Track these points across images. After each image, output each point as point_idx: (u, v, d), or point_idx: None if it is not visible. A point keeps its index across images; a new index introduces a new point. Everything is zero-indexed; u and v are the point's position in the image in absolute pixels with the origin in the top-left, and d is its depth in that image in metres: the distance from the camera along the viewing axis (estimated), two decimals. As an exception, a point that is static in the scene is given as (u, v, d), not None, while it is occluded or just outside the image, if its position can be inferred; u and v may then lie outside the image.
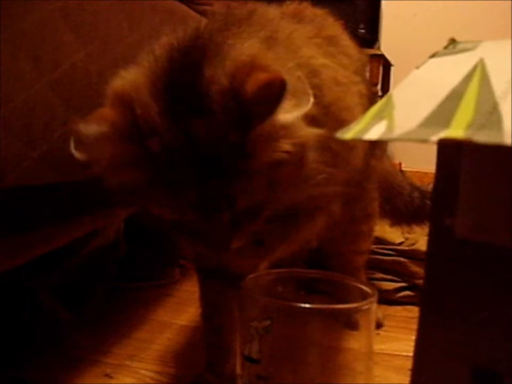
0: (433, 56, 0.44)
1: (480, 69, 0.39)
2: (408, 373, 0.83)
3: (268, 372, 0.54)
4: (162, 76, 0.52)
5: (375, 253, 1.09)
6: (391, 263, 1.10)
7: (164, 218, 0.55)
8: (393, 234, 1.15)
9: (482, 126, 0.32)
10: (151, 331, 0.93)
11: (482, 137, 0.30)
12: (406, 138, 0.34)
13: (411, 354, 0.87)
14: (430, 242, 0.49)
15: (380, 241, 1.13)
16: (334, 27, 0.78)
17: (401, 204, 1.10)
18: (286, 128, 0.52)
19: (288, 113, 0.52)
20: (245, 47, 0.54)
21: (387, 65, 2.44)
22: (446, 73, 0.40)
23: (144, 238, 1.07)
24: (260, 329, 0.54)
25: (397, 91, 0.41)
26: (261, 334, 0.54)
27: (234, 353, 0.67)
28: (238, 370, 0.57)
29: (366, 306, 0.55)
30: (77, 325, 0.88)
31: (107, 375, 0.77)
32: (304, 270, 0.63)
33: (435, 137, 0.32)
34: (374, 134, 0.36)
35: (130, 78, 0.54)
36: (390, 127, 0.36)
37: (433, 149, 0.41)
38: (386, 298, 1.08)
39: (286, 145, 0.52)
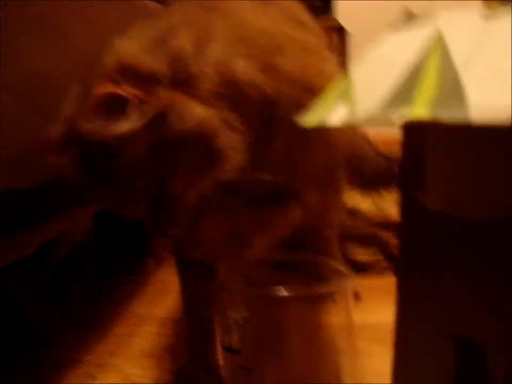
0: (389, 30, 0.43)
1: (438, 41, 0.38)
2: (389, 342, 0.84)
3: (249, 361, 0.54)
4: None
5: (347, 225, 1.09)
6: (363, 234, 1.10)
7: None
8: (364, 204, 1.15)
9: (446, 101, 0.31)
10: (130, 325, 0.92)
11: (447, 114, 0.30)
12: (371, 122, 0.33)
13: (391, 325, 0.87)
14: (402, 216, 0.49)
15: (351, 212, 1.13)
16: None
17: (368, 170, 1.10)
18: (153, 124, 0.53)
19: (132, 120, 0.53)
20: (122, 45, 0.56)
21: (342, 34, 2.43)
22: (404, 47, 0.39)
23: (115, 233, 1.05)
24: (239, 320, 0.53)
25: (355, 69, 0.40)
26: (240, 324, 0.53)
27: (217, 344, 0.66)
28: (220, 361, 0.57)
29: (343, 287, 0.55)
30: (57, 325, 0.87)
31: (90, 375, 0.76)
32: (279, 253, 0.63)
33: (399, 119, 0.31)
34: (336, 118, 0.35)
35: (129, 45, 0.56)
36: (352, 109, 0.35)
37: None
38: (362, 269, 1.09)
39: (150, 139, 0.53)
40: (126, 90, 0.51)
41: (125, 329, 0.91)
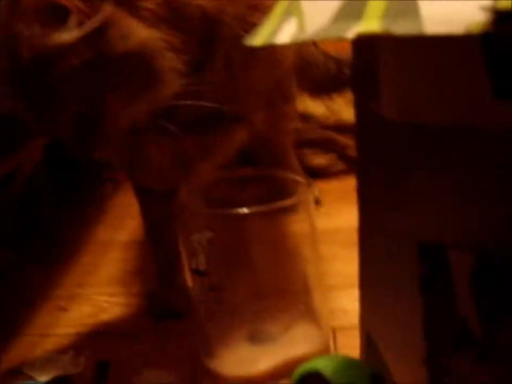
0: None
1: None
2: (354, 246, 0.86)
3: (218, 282, 0.54)
4: None
5: (301, 130, 1.09)
6: (318, 138, 1.10)
7: None
8: (316, 107, 1.14)
9: (399, 13, 0.30)
10: (94, 253, 0.92)
11: (400, 27, 0.29)
12: (321, 37, 0.31)
13: (353, 227, 0.89)
14: (358, 128, 0.48)
15: (304, 117, 1.12)
16: None
17: (318, 75, 1.08)
18: (93, 39, 0.51)
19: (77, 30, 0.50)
20: None
21: None
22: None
23: (68, 162, 1.03)
24: (203, 241, 0.53)
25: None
26: (204, 246, 0.53)
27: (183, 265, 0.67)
28: (189, 283, 0.57)
29: (304, 198, 0.55)
30: (20, 263, 0.86)
31: (61, 309, 0.76)
32: (236, 169, 0.62)
33: (350, 33, 0.30)
34: (285, 35, 0.34)
35: None
36: (301, 25, 0.34)
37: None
38: (319, 174, 1.09)
39: (87, 54, 0.51)
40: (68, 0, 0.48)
41: (90, 258, 0.91)
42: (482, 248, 0.44)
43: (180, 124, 0.57)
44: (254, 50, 0.60)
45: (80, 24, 0.50)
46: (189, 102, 0.54)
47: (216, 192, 0.61)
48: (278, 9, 0.36)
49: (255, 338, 0.58)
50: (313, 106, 1.12)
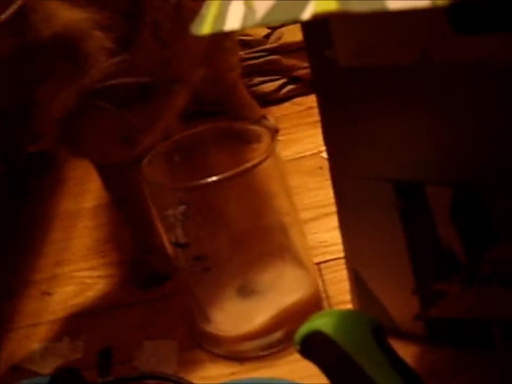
0: None
1: None
2: (320, 171, 0.86)
3: (201, 251, 0.54)
4: None
5: (245, 59, 1.06)
6: (264, 64, 1.07)
7: None
8: (258, 32, 1.11)
9: (351, -17, 0.28)
10: (64, 227, 0.90)
11: (360, 5, 0.27)
12: (274, 22, 0.30)
13: (315, 151, 0.89)
14: (315, 78, 0.47)
15: (246, 42, 1.09)
16: None
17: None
18: (15, 24, 0.46)
19: None
20: None
21: None
22: None
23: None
24: (177, 215, 0.52)
25: None
26: (180, 219, 0.52)
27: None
28: (171, 255, 0.57)
29: (271, 151, 0.54)
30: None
31: (45, 293, 0.75)
32: (196, 129, 0.60)
33: (306, 15, 0.28)
34: (234, 20, 0.31)
35: None
36: (248, 5, 0.32)
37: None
38: (272, 99, 1.08)
39: (12, 40, 0.47)
40: None
41: (61, 232, 0.89)
42: (459, 180, 0.45)
43: (115, 99, 0.55)
44: (181, 17, 0.58)
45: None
46: (120, 80, 0.52)
47: (177, 156, 0.60)
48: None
49: (245, 293, 0.59)
50: (255, 30, 1.09)
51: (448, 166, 0.45)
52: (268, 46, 1.06)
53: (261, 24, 0.30)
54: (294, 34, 1.04)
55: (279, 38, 1.06)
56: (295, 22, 0.29)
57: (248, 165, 0.51)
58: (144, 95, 0.57)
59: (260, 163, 0.51)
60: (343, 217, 0.53)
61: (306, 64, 1.04)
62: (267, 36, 1.10)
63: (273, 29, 1.08)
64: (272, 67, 1.07)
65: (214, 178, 0.50)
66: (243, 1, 0.32)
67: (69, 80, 0.51)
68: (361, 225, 0.52)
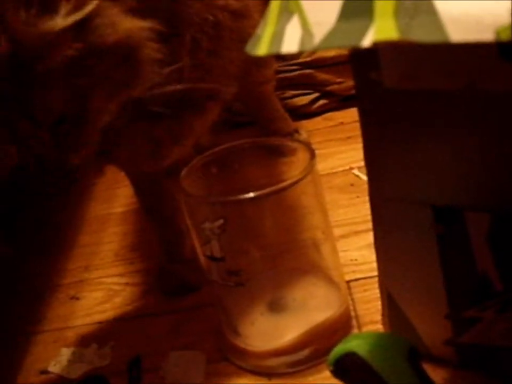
0: None
1: None
2: (351, 188, 0.86)
3: (236, 265, 0.54)
4: None
5: (280, 72, 1.06)
6: (297, 78, 1.08)
7: None
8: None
9: (414, 10, 0.28)
10: (93, 231, 0.91)
11: (421, 34, 0.27)
12: (332, 46, 0.30)
13: (346, 168, 0.89)
14: (359, 98, 0.47)
15: (280, 56, 1.09)
16: None
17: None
18: (82, 28, 0.47)
19: (68, 17, 0.46)
20: None
21: None
22: None
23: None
24: (214, 229, 0.52)
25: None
26: (217, 233, 0.52)
27: (189, 235, 0.66)
28: (204, 268, 0.57)
29: (310, 168, 0.54)
30: (20, 256, 0.85)
31: (73, 297, 0.76)
32: (232, 143, 0.61)
33: (368, 41, 0.28)
34: (292, 43, 0.32)
35: None
36: (305, 27, 0.32)
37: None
38: (304, 113, 1.08)
39: (78, 45, 0.47)
40: None
41: (90, 237, 0.90)
42: (498, 207, 0.44)
43: (153, 111, 0.55)
44: (219, 36, 0.58)
45: (70, 13, 0.46)
46: (161, 89, 0.52)
47: (215, 168, 0.60)
48: (275, 5, 0.34)
49: (275, 308, 0.59)
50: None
51: (487, 192, 0.45)
52: (301, 60, 1.06)
53: (319, 48, 0.30)
54: (327, 50, 1.05)
55: (313, 52, 1.06)
56: (354, 47, 0.29)
57: (288, 182, 0.51)
58: (178, 107, 0.57)
59: (298, 181, 0.51)
60: (378, 237, 0.53)
61: (339, 79, 1.05)
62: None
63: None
64: (305, 81, 1.07)
65: (252, 194, 0.50)
66: (298, 20, 0.32)
67: (121, 89, 0.51)
68: (397, 247, 0.52)
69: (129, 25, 0.49)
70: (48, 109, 0.48)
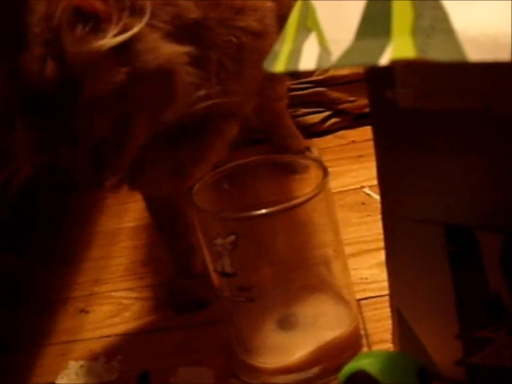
0: None
1: None
2: (362, 207, 0.86)
3: (247, 282, 0.54)
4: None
5: (292, 90, 1.07)
6: (310, 95, 1.08)
7: None
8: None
9: (431, 29, 0.28)
10: (103, 245, 0.91)
11: (439, 52, 0.27)
12: (350, 64, 0.30)
13: (358, 186, 0.89)
14: (374, 117, 0.47)
15: (293, 74, 1.10)
16: None
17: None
18: (126, 52, 0.48)
19: (115, 37, 0.47)
20: None
21: None
22: None
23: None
24: (226, 245, 0.52)
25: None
26: (228, 249, 0.52)
27: (199, 251, 0.66)
28: (216, 284, 0.57)
29: (323, 187, 0.54)
30: (30, 268, 0.85)
31: (82, 311, 0.76)
32: (245, 160, 0.61)
33: (385, 60, 0.28)
34: (309, 60, 0.32)
35: None
36: (323, 44, 0.32)
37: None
38: (316, 131, 1.08)
39: (120, 74, 0.48)
40: (99, 6, 0.46)
41: (100, 251, 0.90)
42: (511, 228, 0.44)
43: (173, 131, 0.56)
44: (242, 57, 0.59)
45: (117, 35, 0.47)
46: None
47: (227, 184, 0.60)
48: (292, 22, 0.35)
49: (286, 325, 0.58)
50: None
51: (500, 212, 0.45)
52: (314, 78, 1.06)
53: (336, 66, 0.30)
54: (344, 67, 1.05)
55: (326, 70, 1.06)
56: (371, 66, 0.29)
57: (300, 199, 0.51)
58: (198, 128, 0.58)
59: (311, 198, 0.51)
60: (390, 256, 0.53)
61: (351, 98, 1.05)
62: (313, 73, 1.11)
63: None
64: (318, 99, 1.07)
65: (265, 210, 0.50)
66: (316, 37, 0.32)
67: (159, 112, 0.52)
68: (409, 266, 0.52)
69: (168, 50, 0.50)
70: (90, 132, 0.50)
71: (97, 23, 0.46)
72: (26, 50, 0.47)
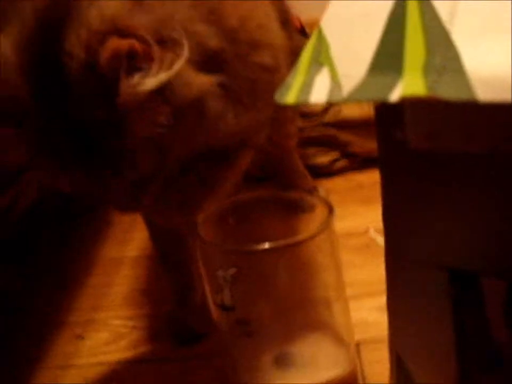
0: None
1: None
2: (366, 249, 0.86)
3: (245, 315, 0.54)
4: (29, 47, 0.48)
5: (303, 129, 1.08)
6: (320, 136, 1.09)
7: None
8: (316, 104, 1.13)
9: (442, 68, 0.29)
10: (105, 273, 0.91)
11: (448, 91, 0.27)
12: (360, 99, 0.30)
13: (363, 229, 0.89)
14: (382, 157, 0.47)
15: (305, 115, 1.11)
16: None
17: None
18: (165, 90, 0.49)
19: (160, 75, 0.47)
20: (104, 6, 0.48)
21: None
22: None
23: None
24: (227, 277, 0.52)
25: (326, 23, 0.37)
26: (229, 282, 0.52)
27: (200, 283, 0.66)
28: (214, 317, 0.57)
29: (327, 225, 0.54)
30: (29, 288, 0.85)
31: (78, 336, 0.75)
32: (251, 194, 0.61)
33: (396, 96, 0.29)
34: (320, 93, 0.32)
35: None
36: (334, 79, 0.32)
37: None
38: (324, 172, 1.09)
39: (166, 108, 0.49)
40: (139, 45, 0.46)
41: (101, 278, 0.90)
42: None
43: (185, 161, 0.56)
44: (258, 89, 0.59)
45: (159, 72, 0.47)
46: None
47: (231, 219, 0.60)
48: (306, 56, 0.35)
49: (282, 363, 0.57)
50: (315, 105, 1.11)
51: (506, 259, 0.44)
52: (325, 119, 1.07)
53: (347, 101, 0.30)
54: (352, 111, 1.06)
55: (338, 112, 1.07)
56: (381, 102, 0.29)
57: (304, 236, 0.51)
58: (211, 159, 0.58)
59: (314, 236, 0.51)
60: (391, 298, 0.52)
61: (361, 141, 1.06)
62: (326, 109, 1.12)
63: (332, 103, 1.10)
64: (328, 140, 1.08)
65: (268, 245, 0.50)
66: (328, 71, 0.32)
67: (192, 143, 0.53)
68: (410, 309, 0.51)
69: (199, 81, 0.50)
70: (135, 167, 0.51)
71: (139, 63, 0.46)
72: (71, 94, 0.47)
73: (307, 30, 1.10)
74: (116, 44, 0.46)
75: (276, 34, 0.62)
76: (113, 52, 0.45)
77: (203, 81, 0.51)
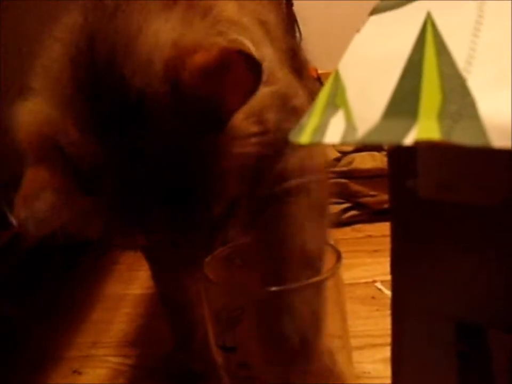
0: (373, 12, 0.39)
1: (430, 29, 0.35)
2: (373, 301, 0.85)
3: (247, 358, 0.53)
4: (77, 99, 0.44)
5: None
6: (332, 186, 1.09)
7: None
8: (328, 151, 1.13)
9: (457, 115, 0.29)
10: (107, 309, 0.90)
11: (463, 136, 0.27)
12: (374, 141, 0.30)
13: (370, 280, 0.88)
14: (393, 205, 0.47)
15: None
16: None
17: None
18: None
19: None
20: (157, 30, 0.44)
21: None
22: (394, 36, 0.36)
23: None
24: (231, 319, 0.51)
25: (343, 66, 0.37)
26: (233, 323, 0.51)
27: (201, 326, 0.65)
28: (215, 359, 0.56)
29: (334, 271, 0.53)
30: (30, 322, 0.84)
31: (75, 371, 0.74)
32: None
33: (410, 140, 0.29)
34: (334, 134, 0.32)
35: (39, 109, 0.45)
36: (349, 121, 0.32)
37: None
38: (334, 221, 1.08)
39: (255, 127, 0.46)
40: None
41: (103, 314, 0.89)
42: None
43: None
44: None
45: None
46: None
47: (238, 259, 0.60)
48: (322, 98, 0.35)
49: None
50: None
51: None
52: (337, 169, 1.07)
53: (361, 143, 0.30)
54: (364, 162, 1.07)
55: (350, 163, 1.08)
56: (395, 145, 0.29)
57: (310, 280, 0.50)
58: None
59: (322, 280, 0.50)
60: (396, 350, 0.51)
61: (372, 193, 1.05)
62: (338, 159, 1.12)
63: (345, 153, 1.11)
64: (339, 190, 1.08)
65: (274, 288, 0.50)
66: (343, 114, 0.33)
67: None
68: (414, 361, 0.50)
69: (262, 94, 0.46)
70: (221, 199, 0.49)
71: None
72: (148, 131, 0.43)
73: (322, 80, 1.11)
74: (201, 58, 0.41)
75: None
76: (202, 66, 0.40)
77: (264, 92, 0.47)
